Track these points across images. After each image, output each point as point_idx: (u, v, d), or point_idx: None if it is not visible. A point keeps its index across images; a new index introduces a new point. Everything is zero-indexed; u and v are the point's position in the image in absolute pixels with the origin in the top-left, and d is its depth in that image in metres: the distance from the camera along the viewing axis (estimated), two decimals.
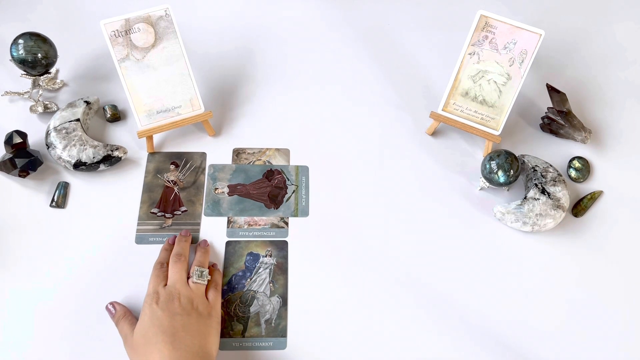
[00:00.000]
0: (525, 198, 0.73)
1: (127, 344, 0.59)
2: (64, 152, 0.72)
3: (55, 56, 0.78)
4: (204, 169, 0.76)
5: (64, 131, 0.73)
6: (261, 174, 0.77)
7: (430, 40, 0.91)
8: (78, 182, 0.74)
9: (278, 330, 0.66)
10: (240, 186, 0.75)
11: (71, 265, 0.68)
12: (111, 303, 0.65)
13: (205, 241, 0.70)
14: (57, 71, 0.83)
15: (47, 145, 0.73)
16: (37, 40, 0.75)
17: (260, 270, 0.69)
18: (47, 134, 0.73)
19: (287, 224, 0.73)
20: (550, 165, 0.75)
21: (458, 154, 0.80)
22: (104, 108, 0.79)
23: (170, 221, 0.72)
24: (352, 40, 0.91)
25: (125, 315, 0.62)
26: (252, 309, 0.67)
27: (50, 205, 0.71)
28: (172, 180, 0.75)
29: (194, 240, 0.70)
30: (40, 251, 0.68)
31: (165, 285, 0.62)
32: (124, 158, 0.75)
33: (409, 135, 0.81)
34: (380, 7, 0.95)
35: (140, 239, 0.70)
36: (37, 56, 0.75)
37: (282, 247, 0.71)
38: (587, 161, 0.79)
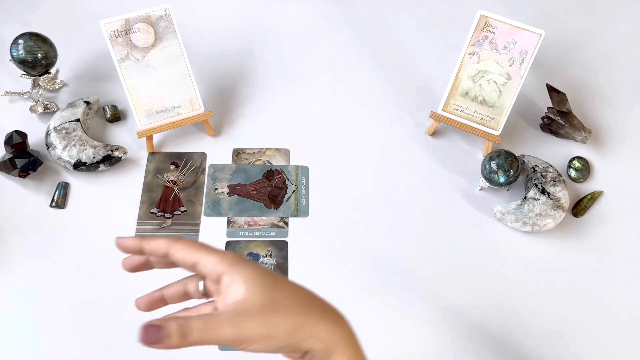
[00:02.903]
0: (525, 198, 0.73)
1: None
2: (64, 152, 0.72)
3: (55, 56, 0.78)
4: (204, 169, 0.76)
5: (64, 131, 0.73)
6: (261, 174, 0.77)
7: (431, 40, 0.91)
8: (78, 182, 0.74)
9: None
10: (240, 186, 0.75)
11: (71, 265, 0.68)
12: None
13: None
14: (57, 71, 0.83)
15: (47, 145, 0.73)
16: (37, 40, 0.75)
17: None
18: (47, 134, 0.73)
19: (287, 224, 0.73)
20: (550, 166, 0.75)
21: (458, 154, 0.80)
22: (104, 108, 0.79)
23: (169, 221, 0.72)
24: (352, 40, 0.91)
25: None
26: None
27: (50, 206, 0.71)
28: (172, 180, 0.75)
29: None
30: (40, 251, 0.68)
31: None
32: (124, 158, 0.75)
33: (409, 135, 0.81)
34: (380, 7, 0.95)
35: None
36: (37, 56, 0.75)
37: (282, 247, 0.71)
38: (587, 161, 0.79)
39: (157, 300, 0.44)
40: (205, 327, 0.35)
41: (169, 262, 0.42)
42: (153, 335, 0.35)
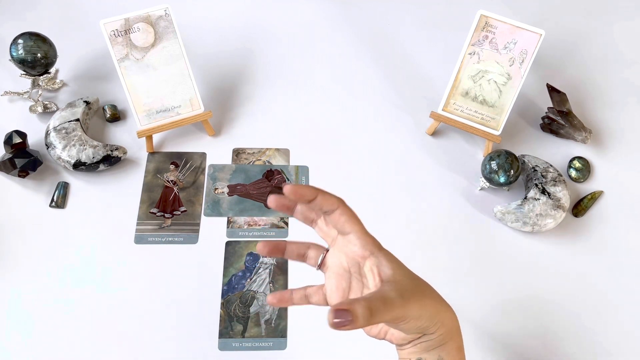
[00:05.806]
0: (525, 198, 0.73)
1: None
2: (64, 152, 0.71)
3: (54, 56, 0.78)
4: (204, 169, 0.76)
5: (63, 131, 0.73)
6: (261, 174, 0.76)
7: (431, 40, 0.91)
8: (78, 182, 0.74)
9: (278, 330, 0.65)
10: (240, 186, 0.75)
11: (70, 265, 0.68)
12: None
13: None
14: (57, 71, 0.83)
15: (46, 145, 0.73)
16: (36, 40, 0.75)
17: (260, 271, 0.69)
18: (47, 134, 0.73)
19: (287, 224, 0.73)
20: (551, 165, 0.75)
21: (458, 154, 0.80)
22: (103, 108, 0.79)
23: (169, 221, 0.72)
24: (353, 40, 0.91)
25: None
26: (252, 309, 0.67)
27: (50, 205, 0.71)
28: (171, 180, 0.75)
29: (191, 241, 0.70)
30: (40, 251, 0.68)
31: None
32: (124, 158, 0.75)
33: (409, 135, 0.81)
34: (380, 7, 0.95)
35: (139, 239, 0.70)
36: (36, 56, 0.75)
37: None
38: (587, 161, 0.79)
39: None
40: (384, 306, 0.37)
41: (309, 218, 0.45)
42: (343, 318, 0.35)
